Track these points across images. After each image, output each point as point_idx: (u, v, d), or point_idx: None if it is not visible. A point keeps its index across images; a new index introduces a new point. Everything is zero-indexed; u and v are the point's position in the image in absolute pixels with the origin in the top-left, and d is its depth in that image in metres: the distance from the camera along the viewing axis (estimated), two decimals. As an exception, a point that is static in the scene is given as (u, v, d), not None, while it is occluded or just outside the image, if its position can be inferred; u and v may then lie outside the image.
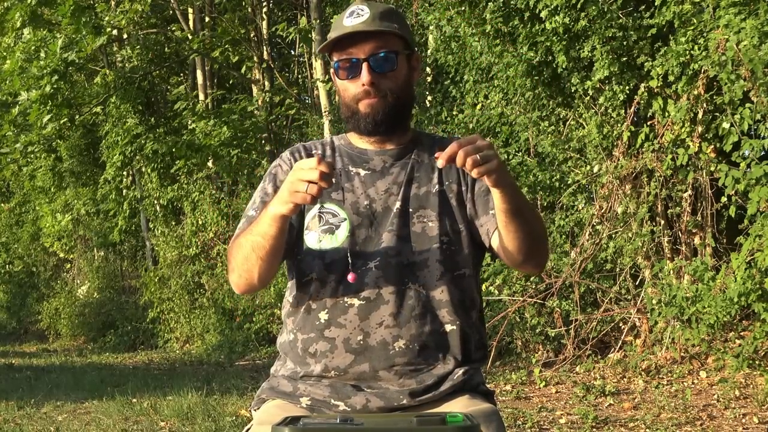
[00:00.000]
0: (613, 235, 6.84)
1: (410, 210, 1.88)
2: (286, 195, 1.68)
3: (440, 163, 1.58)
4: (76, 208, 15.41)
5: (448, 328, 1.85)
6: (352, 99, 1.88)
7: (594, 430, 5.01)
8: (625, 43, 6.56)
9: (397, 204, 1.88)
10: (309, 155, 1.96)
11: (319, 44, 10.90)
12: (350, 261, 1.84)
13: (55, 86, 11.30)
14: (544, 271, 7.00)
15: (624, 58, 6.57)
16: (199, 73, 13.47)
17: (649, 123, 6.63)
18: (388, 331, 1.82)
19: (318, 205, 1.85)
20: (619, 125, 6.75)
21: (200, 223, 12.08)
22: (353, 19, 1.85)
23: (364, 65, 1.84)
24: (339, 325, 1.84)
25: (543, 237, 1.86)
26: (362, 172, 1.92)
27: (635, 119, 6.90)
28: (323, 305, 1.86)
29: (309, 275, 1.87)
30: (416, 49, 1.98)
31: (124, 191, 13.67)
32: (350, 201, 1.88)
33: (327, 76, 10.63)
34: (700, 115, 6.29)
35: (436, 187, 1.90)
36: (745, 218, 5.73)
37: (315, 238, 1.86)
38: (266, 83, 12.72)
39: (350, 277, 1.83)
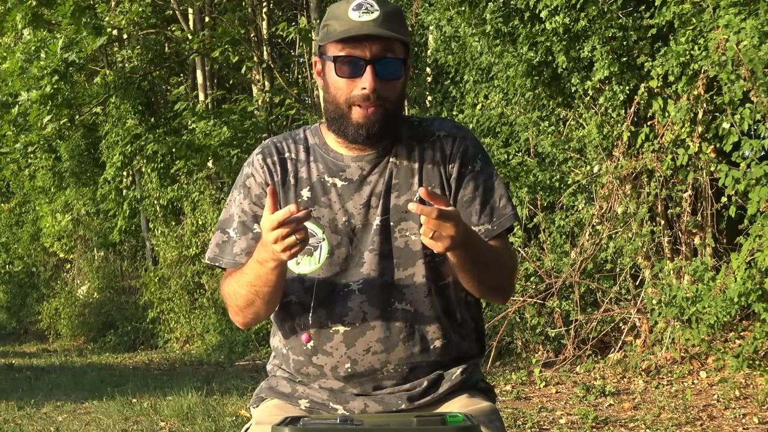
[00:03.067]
0: (613, 236, 6.84)
1: (391, 224, 1.77)
2: (275, 255, 1.62)
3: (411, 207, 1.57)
4: (76, 208, 15.39)
5: (438, 343, 1.79)
6: (345, 101, 1.74)
7: (594, 430, 5.00)
8: (625, 43, 6.56)
9: (377, 219, 1.77)
10: (282, 159, 1.84)
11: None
12: (310, 318, 1.77)
13: (55, 86, 11.28)
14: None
15: (624, 58, 6.57)
16: (199, 73, 13.45)
17: (649, 123, 6.63)
18: (376, 357, 1.76)
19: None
20: (619, 125, 6.75)
21: (200, 223, 12.08)
22: (362, 14, 1.71)
23: (369, 68, 1.71)
24: (325, 352, 1.77)
25: (504, 282, 1.83)
26: (339, 183, 1.80)
27: (635, 119, 6.89)
28: (307, 330, 1.79)
29: (289, 297, 1.80)
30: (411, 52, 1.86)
31: (124, 191, 13.67)
32: (328, 218, 1.78)
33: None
34: (700, 115, 6.29)
35: (417, 194, 1.77)
36: (745, 218, 5.72)
37: (293, 261, 1.77)
38: (266, 83, 12.71)
39: (303, 337, 1.78)
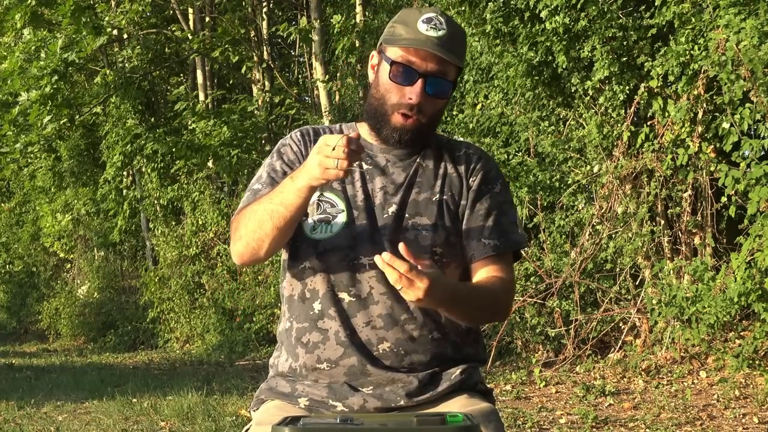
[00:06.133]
0: (613, 235, 6.84)
1: (405, 216, 1.85)
2: (318, 171, 1.67)
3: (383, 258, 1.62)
4: (76, 208, 15.40)
5: (436, 335, 1.84)
6: (390, 105, 1.83)
7: (594, 430, 5.01)
8: (625, 43, 6.56)
9: (393, 207, 1.85)
10: (317, 138, 1.91)
11: (319, 44, 10.91)
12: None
13: (55, 86, 11.27)
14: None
15: (624, 58, 6.57)
16: (199, 73, 13.46)
17: (649, 123, 6.63)
18: (374, 332, 1.81)
19: (318, 192, 1.80)
20: (619, 125, 6.75)
21: (200, 223, 12.08)
22: (429, 28, 1.79)
23: (420, 81, 1.79)
24: (330, 316, 1.83)
25: (498, 313, 1.94)
26: (364, 166, 1.89)
27: (635, 119, 6.89)
28: (316, 295, 1.85)
29: (303, 263, 1.87)
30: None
31: (124, 191, 13.67)
32: (349, 194, 1.86)
33: (327, 76, 10.62)
34: (700, 115, 6.29)
35: (437, 195, 1.87)
36: (745, 218, 5.72)
37: (310, 226, 1.85)
38: (266, 83, 12.71)
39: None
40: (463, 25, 7.50)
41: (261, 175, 1.92)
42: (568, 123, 7.22)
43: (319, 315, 1.84)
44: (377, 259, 1.61)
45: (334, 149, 1.63)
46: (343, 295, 1.82)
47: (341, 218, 1.84)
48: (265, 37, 12.87)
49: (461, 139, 6.07)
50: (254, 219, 1.79)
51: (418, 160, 1.90)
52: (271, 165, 1.92)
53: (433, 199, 1.86)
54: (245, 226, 1.82)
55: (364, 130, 1.93)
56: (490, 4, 7.13)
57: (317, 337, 1.84)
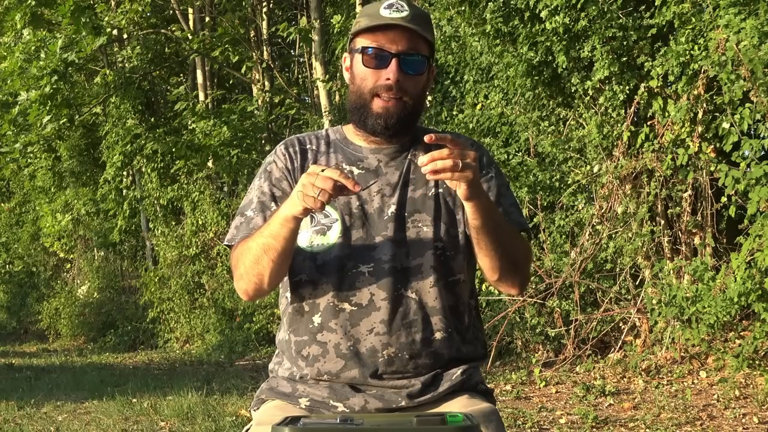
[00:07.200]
0: (613, 235, 6.84)
1: (405, 214, 1.85)
2: (298, 198, 1.67)
3: (422, 161, 1.63)
4: (76, 208, 15.41)
5: (439, 335, 1.83)
6: (369, 91, 1.83)
7: (594, 430, 5.01)
8: (625, 43, 6.56)
9: (392, 207, 1.84)
10: (303, 149, 1.93)
11: (319, 44, 10.90)
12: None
13: (54, 86, 11.27)
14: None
15: (624, 58, 6.57)
16: (199, 73, 13.46)
17: (649, 123, 6.63)
18: (378, 338, 1.80)
19: None
20: (619, 125, 6.75)
21: (200, 223, 12.08)
22: (392, 12, 1.82)
23: (394, 61, 1.81)
24: (330, 329, 1.82)
25: (520, 260, 1.86)
26: (355, 171, 1.88)
27: (635, 119, 6.89)
28: (316, 308, 1.84)
29: (299, 276, 1.86)
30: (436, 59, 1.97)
31: (124, 191, 13.67)
32: (342, 201, 1.85)
33: (327, 76, 10.62)
34: (700, 115, 6.29)
35: (433, 190, 1.87)
36: (745, 218, 5.72)
37: (306, 239, 1.84)
38: (266, 83, 12.71)
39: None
40: (463, 25, 7.51)
41: (252, 200, 1.91)
42: (568, 123, 7.21)
43: (318, 328, 1.84)
44: (421, 160, 1.63)
45: (322, 172, 1.64)
46: (344, 305, 1.82)
47: (336, 228, 1.83)
48: (265, 37, 12.87)
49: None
50: (250, 256, 1.80)
51: (409, 156, 1.90)
52: (260, 188, 1.91)
53: (429, 194, 1.87)
54: (243, 264, 1.82)
55: (350, 132, 1.94)
56: (490, 4, 7.12)
57: (317, 350, 1.83)
